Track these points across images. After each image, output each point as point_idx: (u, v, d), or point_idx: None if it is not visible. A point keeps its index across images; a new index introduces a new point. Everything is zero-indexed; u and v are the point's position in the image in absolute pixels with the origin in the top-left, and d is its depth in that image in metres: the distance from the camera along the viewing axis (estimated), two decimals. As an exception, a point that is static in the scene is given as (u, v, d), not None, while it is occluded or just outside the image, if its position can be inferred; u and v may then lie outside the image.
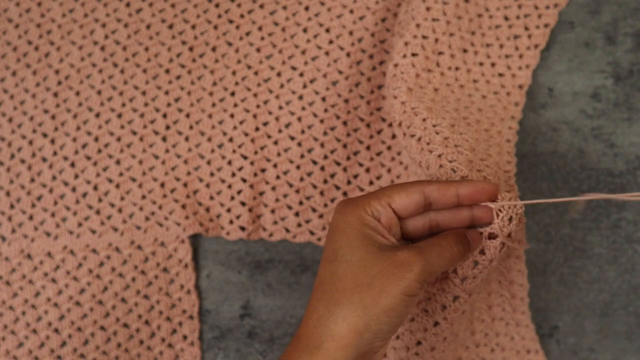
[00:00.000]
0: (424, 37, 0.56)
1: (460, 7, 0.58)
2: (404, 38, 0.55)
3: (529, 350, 0.58)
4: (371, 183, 0.58)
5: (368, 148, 0.59)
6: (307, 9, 0.60)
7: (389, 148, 0.58)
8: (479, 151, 0.50)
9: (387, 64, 0.59)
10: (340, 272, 0.39)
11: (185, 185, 0.58)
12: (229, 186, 0.58)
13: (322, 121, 0.59)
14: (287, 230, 0.58)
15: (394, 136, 0.59)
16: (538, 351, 0.58)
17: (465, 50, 0.59)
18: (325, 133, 0.59)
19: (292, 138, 0.59)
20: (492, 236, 0.43)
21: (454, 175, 0.45)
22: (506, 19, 0.60)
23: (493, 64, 0.60)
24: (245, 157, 0.59)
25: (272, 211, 0.59)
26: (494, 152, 0.53)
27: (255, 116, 0.59)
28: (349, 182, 0.59)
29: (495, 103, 0.59)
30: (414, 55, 0.55)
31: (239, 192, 0.58)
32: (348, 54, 0.60)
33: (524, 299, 0.56)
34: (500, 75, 0.60)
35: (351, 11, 0.60)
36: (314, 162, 0.59)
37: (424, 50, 0.56)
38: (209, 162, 0.59)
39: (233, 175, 0.59)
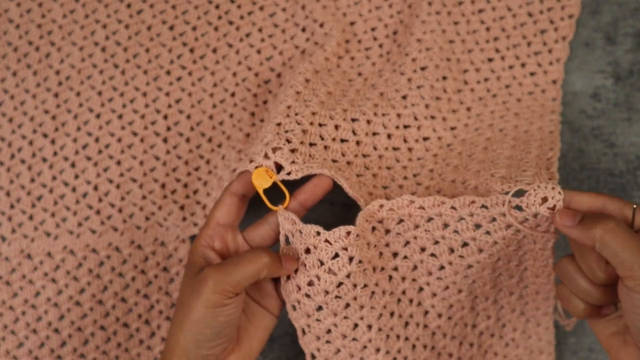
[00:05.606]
0: (448, 59, 0.58)
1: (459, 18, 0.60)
2: (434, 61, 0.58)
3: (542, 352, 0.57)
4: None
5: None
6: (303, 7, 0.60)
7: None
8: (514, 162, 0.51)
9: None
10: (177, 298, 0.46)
11: (185, 186, 0.58)
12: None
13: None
14: None
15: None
16: (551, 354, 0.58)
17: (490, 60, 0.60)
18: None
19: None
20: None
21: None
22: (530, 15, 0.61)
23: (523, 64, 0.61)
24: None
25: None
26: (534, 147, 0.53)
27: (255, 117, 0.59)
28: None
29: (531, 103, 0.60)
30: (444, 78, 0.58)
31: None
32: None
33: (549, 299, 0.55)
34: (532, 74, 0.61)
35: (348, 6, 0.61)
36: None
37: (451, 72, 0.58)
38: (207, 162, 0.59)
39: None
